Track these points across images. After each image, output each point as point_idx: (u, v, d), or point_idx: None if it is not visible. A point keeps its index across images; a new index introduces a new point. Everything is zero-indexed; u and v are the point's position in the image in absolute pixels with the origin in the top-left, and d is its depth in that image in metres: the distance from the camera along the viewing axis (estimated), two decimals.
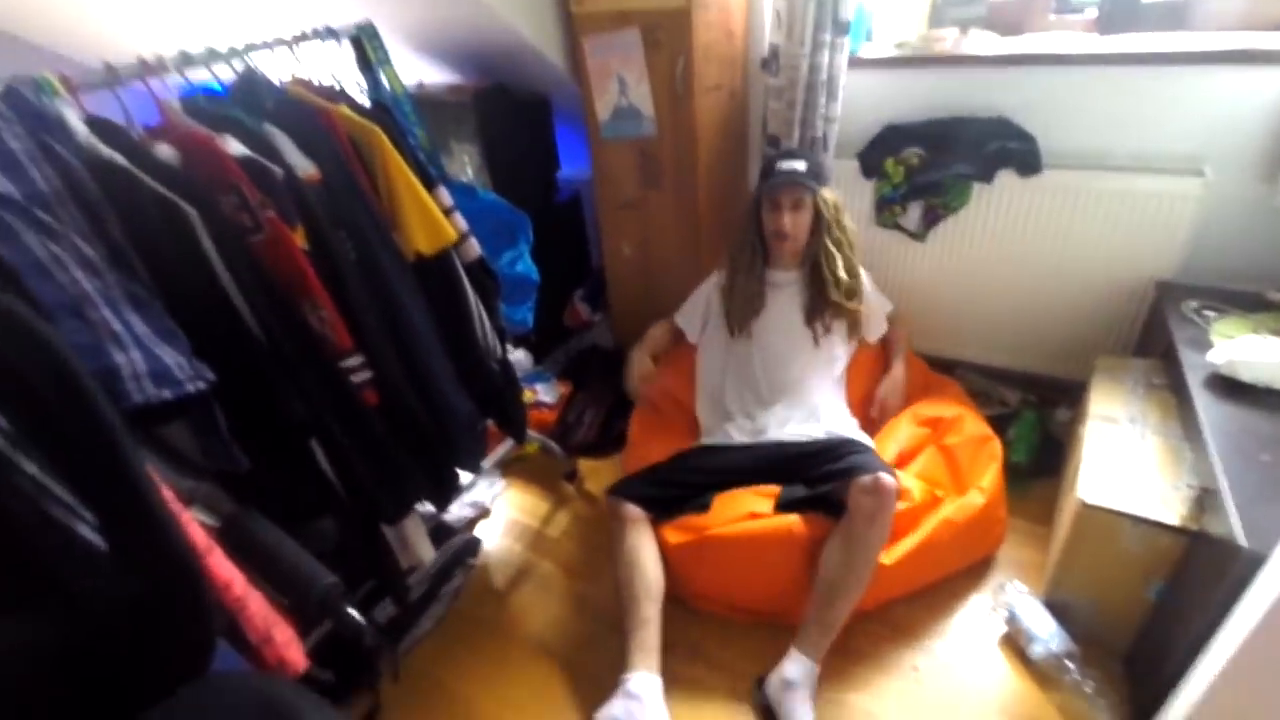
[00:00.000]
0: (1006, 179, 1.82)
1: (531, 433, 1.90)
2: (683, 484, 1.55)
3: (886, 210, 2.05)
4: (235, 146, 1.04)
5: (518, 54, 2.03)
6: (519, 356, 2.25)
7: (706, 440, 1.70)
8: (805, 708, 1.28)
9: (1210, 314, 1.54)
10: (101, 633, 0.76)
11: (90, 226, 0.91)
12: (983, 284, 2.01)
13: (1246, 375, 1.30)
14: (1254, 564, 0.99)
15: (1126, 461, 1.38)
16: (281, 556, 0.95)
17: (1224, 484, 1.11)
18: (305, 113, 1.16)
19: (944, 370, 2.13)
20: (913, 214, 2.03)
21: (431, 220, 1.28)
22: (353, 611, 1.05)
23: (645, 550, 1.45)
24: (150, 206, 0.96)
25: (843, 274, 1.67)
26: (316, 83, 1.27)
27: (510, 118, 2.25)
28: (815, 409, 1.66)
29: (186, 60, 1.12)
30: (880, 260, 2.07)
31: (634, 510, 1.48)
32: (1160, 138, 1.68)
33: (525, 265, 1.79)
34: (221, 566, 0.94)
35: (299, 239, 1.08)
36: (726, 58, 2.02)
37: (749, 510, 1.48)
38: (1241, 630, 0.97)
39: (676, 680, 1.41)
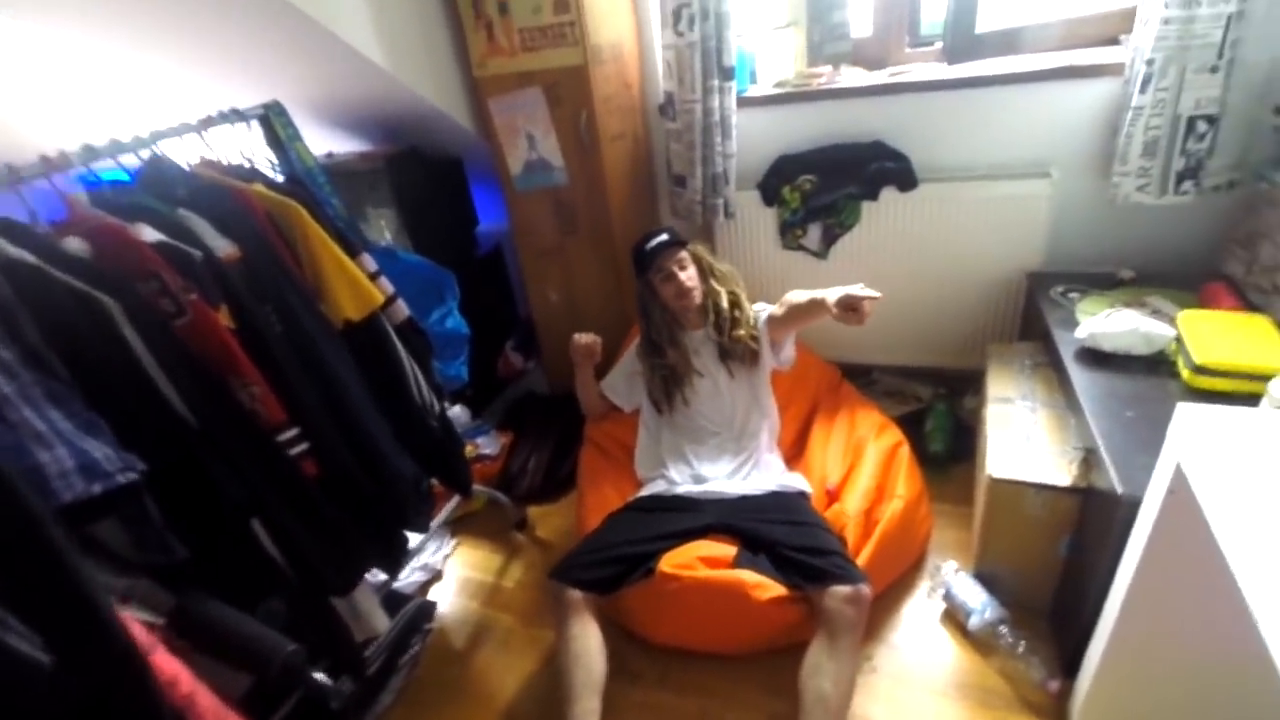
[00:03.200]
0: (890, 195, 2.01)
1: (477, 486, 1.90)
2: (626, 558, 1.50)
3: (790, 234, 2.21)
4: (150, 233, 1.05)
5: (426, 119, 2.10)
6: (456, 412, 2.26)
7: (646, 491, 1.71)
8: None
9: (1074, 295, 1.75)
10: None
11: (2, 328, 0.90)
12: (883, 291, 2.16)
13: (1107, 345, 1.49)
14: (1132, 507, 1.13)
15: (1023, 436, 1.53)
16: (236, 632, 0.93)
17: (1099, 442, 1.26)
18: (219, 194, 1.18)
19: (858, 375, 2.29)
20: (813, 235, 2.20)
21: (357, 286, 1.31)
22: (318, 675, 1.03)
23: (588, 639, 1.40)
24: (65, 301, 0.96)
25: (728, 306, 1.77)
26: (226, 163, 1.29)
27: (424, 179, 2.31)
28: (756, 452, 1.75)
29: (91, 153, 1.12)
30: (789, 281, 2.17)
31: (574, 595, 1.44)
32: (1011, 147, 1.91)
33: (455, 321, 1.83)
34: (166, 664, 0.92)
35: (224, 318, 1.09)
36: (626, 107, 2.15)
37: (698, 555, 1.49)
38: (1129, 568, 1.10)
39: (660, 710, 1.43)
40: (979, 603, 1.50)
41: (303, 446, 1.20)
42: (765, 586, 1.43)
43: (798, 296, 1.65)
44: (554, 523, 2.07)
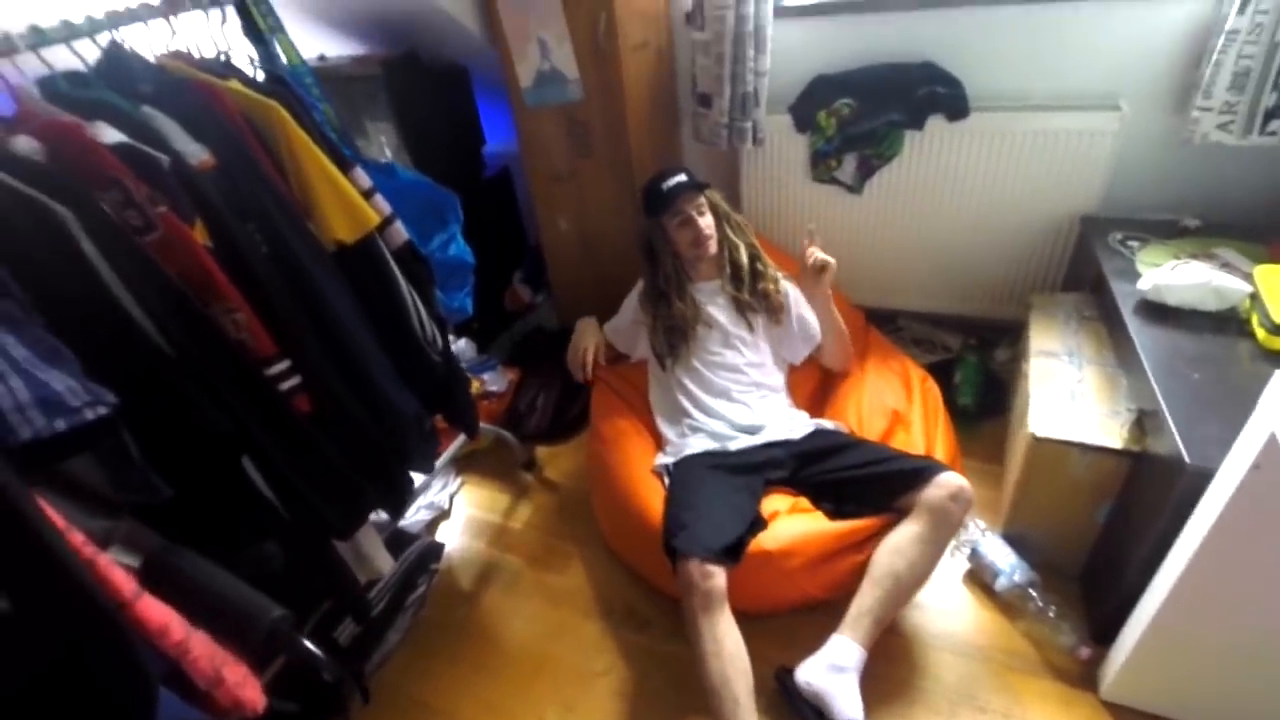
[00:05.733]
0: (936, 124, 1.84)
1: (484, 425, 1.82)
2: (735, 508, 1.37)
3: (822, 164, 2.04)
4: (109, 134, 0.91)
5: (428, 18, 1.89)
6: (462, 346, 2.16)
7: (694, 449, 1.56)
8: (857, 695, 1.23)
9: (1134, 244, 1.61)
10: (17, 708, 0.67)
11: None
12: (918, 232, 2.03)
13: (1172, 299, 1.36)
14: (1198, 478, 1.03)
15: (1068, 393, 1.43)
16: (217, 594, 0.85)
17: (1164, 405, 1.15)
18: (189, 91, 1.03)
19: (885, 320, 2.17)
20: (848, 166, 2.02)
21: (350, 204, 1.17)
22: (307, 643, 0.96)
23: (738, 639, 1.24)
24: (14, 210, 0.83)
25: (747, 259, 1.67)
26: (198, 56, 1.13)
27: (426, 90, 2.11)
28: (783, 398, 1.67)
29: (40, 36, 0.96)
30: (819, 216, 2.07)
31: (720, 581, 1.23)
32: (1077, 75, 1.72)
33: (458, 248, 1.69)
34: (154, 610, 0.84)
35: (199, 235, 0.96)
36: (649, 12, 1.94)
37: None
38: (1194, 541, 1.02)
39: (666, 660, 1.39)
40: (1008, 564, 1.43)
41: (294, 380, 1.10)
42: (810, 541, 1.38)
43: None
44: (562, 464, 2.00)
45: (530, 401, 2.13)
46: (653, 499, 1.49)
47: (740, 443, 1.55)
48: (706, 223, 1.62)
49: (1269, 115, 1.50)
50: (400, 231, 1.30)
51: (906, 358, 1.91)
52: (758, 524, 1.39)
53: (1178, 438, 1.09)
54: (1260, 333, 1.25)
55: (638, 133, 1.97)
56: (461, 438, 1.71)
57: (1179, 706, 1.21)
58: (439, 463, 1.64)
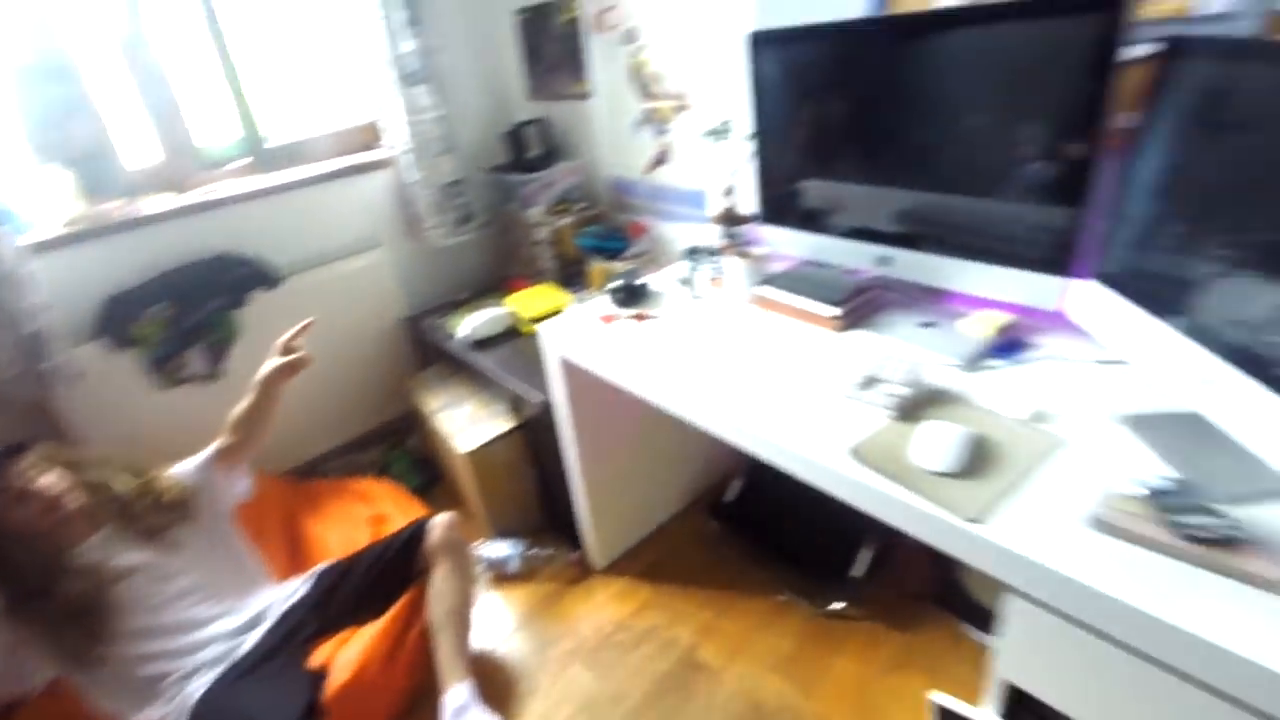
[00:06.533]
0: (262, 297, 2.11)
1: None
2: (282, 690, 1.31)
3: (166, 368, 2.01)
4: None
5: None
6: None
7: (201, 692, 1.31)
8: (489, 713, 1.43)
9: (443, 319, 2.28)
10: None
11: None
12: (297, 384, 2.24)
13: (483, 333, 2.05)
14: (545, 406, 1.65)
15: (466, 419, 1.96)
16: None
17: (515, 387, 1.76)
18: None
19: (310, 472, 2.30)
20: (196, 360, 2.07)
21: None
22: None
23: None
24: None
25: (128, 483, 1.48)
26: None
27: None
28: (260, 571, 1.60)
29: None
30: (188, 420, 1.97)
31: None
32: (344, 231, 2.29)
33: None
34: None
35: None
36: None
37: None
38: (570, 438, 1.62)
39: None
40: (507, 551, 1.85)
41: None
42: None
43: (237, 409, 1.61)
44: None
45: None
46: None
47: (251, 639, 1.42)
48: (50, 481, 1.39)
49: (460, 221, 2.39)
50: None
51: (348, 478, 2.12)
52: (318, 679, 1.36)
53: (524, 396, 1.70)
54: (525, 327, 2.03)
55: None
56: None
57: (627, 531, 1.91)
58: None
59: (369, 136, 2.35)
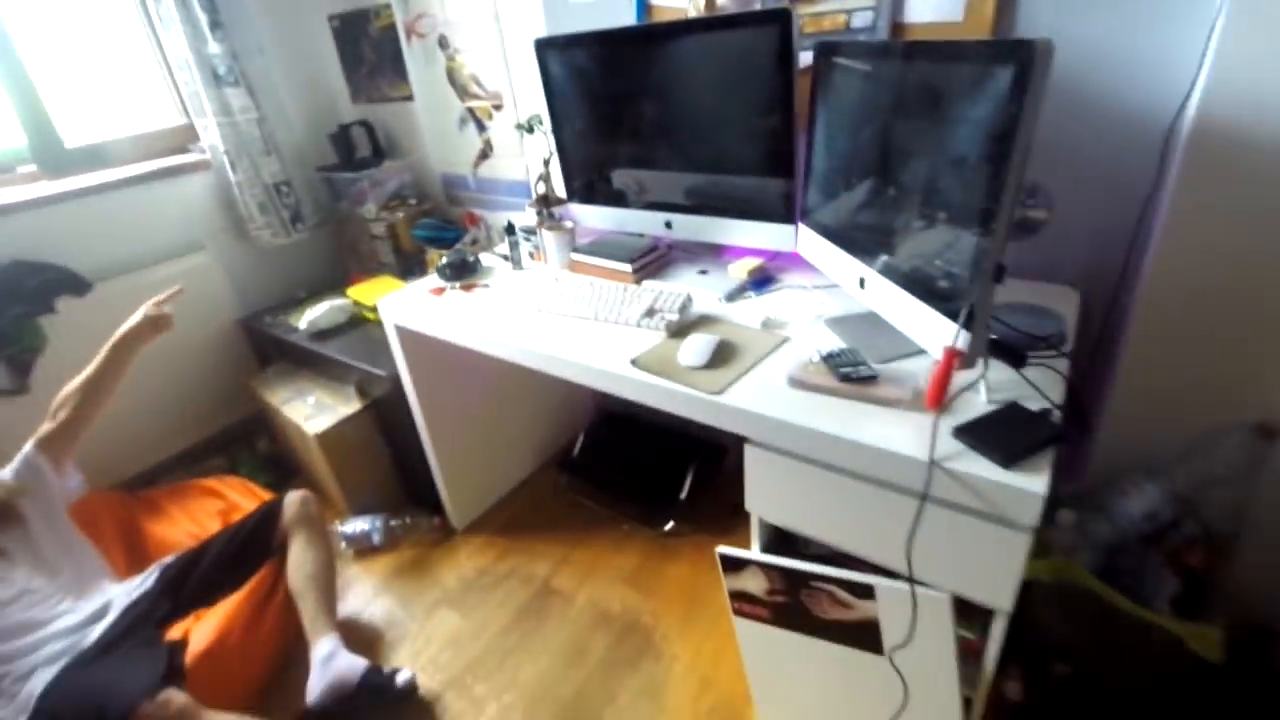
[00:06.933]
0: (74, 303, 2.01)
1: None
2: (138, 663, 1.32)
3: None
4: None
5: None
6: None
7: (44, 685, 1.29)
8: (352, 656, 1.51)
9: (280, 318, 2.30)
10: None
11: None
12: (127, 390, 2.14)
13: (324, 324, 2.12)
14: (394, 379, 1.78)
15: (312, 407, 2.01)
16: None
17: (370, 368, 1.87)
18: None
19: (153, 480, 2.23)
20: None
21: None
22: None
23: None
24: None
25: None
26: None
27: None
28: (103, 567, 1.58)
29: None
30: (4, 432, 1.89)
31: (176, 697, 1.26)
32: (161, 235, 2.23)
33: None
34: None
35: None
36: None
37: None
38: (418, 406, 1.76)
39: None
40: (367, 526, 1.94)
41: None
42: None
43: (74, 381, 1.57)
44: None
45: None
46: None
47: (97, 631, 1.42)
48: None
49: (292, 220, 2.41)
50: None
51: (193, 480, 2.09)
52: (178, 647, 1.40)
53: (371, 372, 1.81)
54: (368, 314, 2.14)
55: None
56: None
57: (485, 494, 2.08)
58: None
59: (183, 138, 2.32)
